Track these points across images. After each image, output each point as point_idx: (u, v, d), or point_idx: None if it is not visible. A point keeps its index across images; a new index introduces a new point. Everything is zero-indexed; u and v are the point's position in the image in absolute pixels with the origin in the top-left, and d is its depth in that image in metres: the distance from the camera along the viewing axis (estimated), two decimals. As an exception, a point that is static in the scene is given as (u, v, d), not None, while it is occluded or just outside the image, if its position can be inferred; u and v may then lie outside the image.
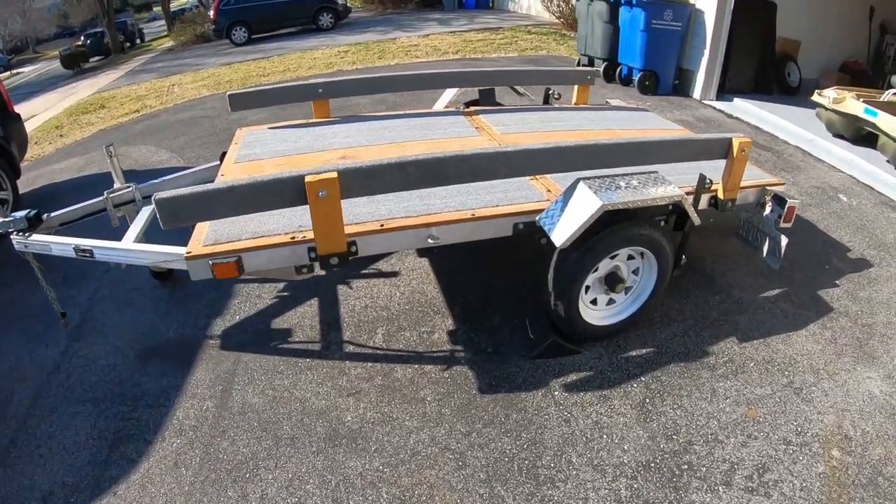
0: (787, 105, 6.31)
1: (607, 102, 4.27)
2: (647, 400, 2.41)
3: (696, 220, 2.49)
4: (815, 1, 6.90)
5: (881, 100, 5.38)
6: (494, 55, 9.43)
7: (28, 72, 15.52)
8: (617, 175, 2.35)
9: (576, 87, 3.95)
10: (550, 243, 2.32)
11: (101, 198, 2.91)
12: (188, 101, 8.61)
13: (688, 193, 2.67)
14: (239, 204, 1.94)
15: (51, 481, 2.21)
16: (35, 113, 11.56)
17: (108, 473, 2.22)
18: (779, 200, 2.84)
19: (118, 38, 22.40)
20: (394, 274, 3.34)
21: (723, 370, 2.56)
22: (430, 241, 2.28)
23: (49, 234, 2.71)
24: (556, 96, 3.90)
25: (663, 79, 6.59)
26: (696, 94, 6.53)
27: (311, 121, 3.60)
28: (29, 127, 9.60)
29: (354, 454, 2.20)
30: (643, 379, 2.52)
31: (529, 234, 2.42)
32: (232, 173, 2.83)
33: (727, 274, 3.28)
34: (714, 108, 6.32)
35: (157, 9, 38.01)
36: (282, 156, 3.00)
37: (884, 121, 4.91)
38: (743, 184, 2.90)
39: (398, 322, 2.92)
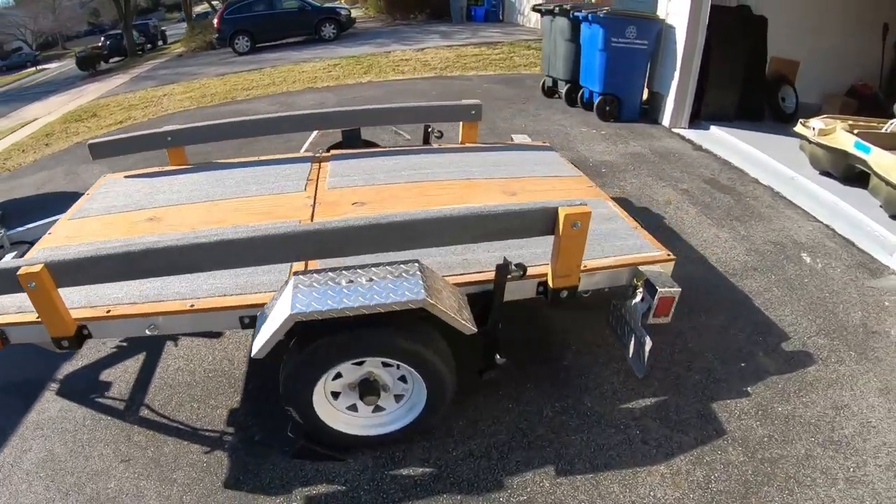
0: (775, 135, 5.47)
1: (511, 139, 3.64)
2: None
3: (466, 328, 1.85)
4: (815, 14, 6.02)
5: (883, 131, 4.52)
6: (470, 73, 8.86)
7: (53, 69, 15.99)
8: (354, 267, 1.79)
9: (461, 123, 3.34)
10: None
11: None
12: (168, 114, 8.57)
13: (486, 281, 2.03)
14: None
15: None
16: (39, 116, 11.73)
17: None
18: (650, 288, 2.17)
19: (134, 41, 22.68)
20: (219, 335, 3.01)
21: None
22: (147, 331, 2.06)
23: None
24: (436, 135, 3.31)
25: (627, 104, 5.84)
26: (665, 121, 5.76)
27: (165, 168, 3.35)
28: (26, 132, 9.87)
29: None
30: (399, 510, 1.94)
31: None
32: (59, 232, 2.71)
33: (589, 371, 2.58)
34: (682, 137, 5.54)
35: (186, 10, 38.87)
36: (109, 213, 2.86)
37: (877, 158, 4.05)
38: (604, 262, 2.25)
39: (192, 391, 2.73)
